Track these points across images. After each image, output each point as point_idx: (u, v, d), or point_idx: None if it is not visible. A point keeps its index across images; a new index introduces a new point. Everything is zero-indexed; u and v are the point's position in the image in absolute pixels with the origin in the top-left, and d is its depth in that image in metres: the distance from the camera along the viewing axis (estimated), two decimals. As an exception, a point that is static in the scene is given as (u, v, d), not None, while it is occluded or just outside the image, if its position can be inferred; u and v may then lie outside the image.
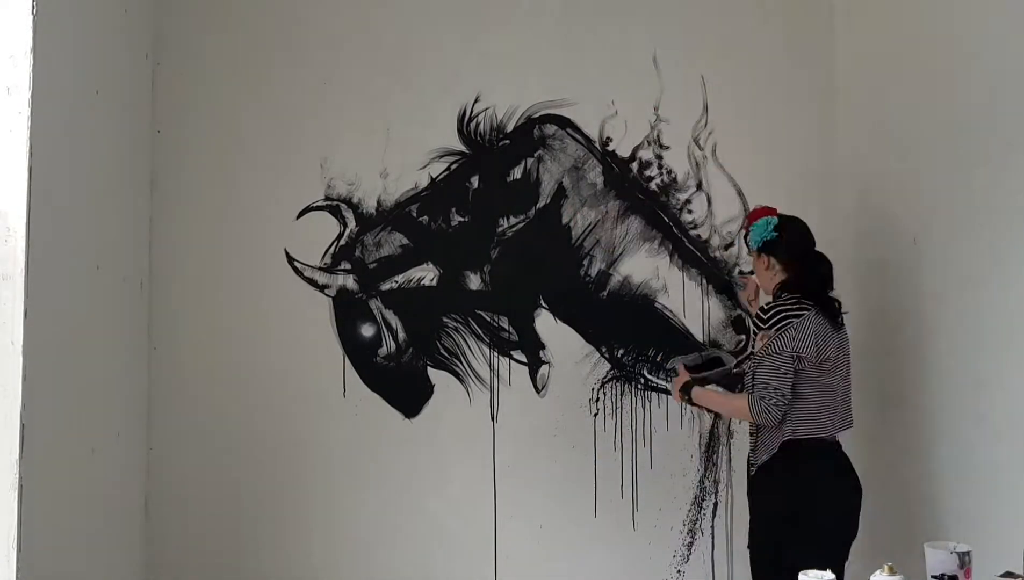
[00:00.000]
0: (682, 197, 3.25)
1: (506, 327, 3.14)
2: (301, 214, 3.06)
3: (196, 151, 3.00)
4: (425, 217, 3.12)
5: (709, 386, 2.81)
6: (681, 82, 3.26)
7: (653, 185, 3.24)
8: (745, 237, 2.79)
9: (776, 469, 2.57)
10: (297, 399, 3.01)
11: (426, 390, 3.10)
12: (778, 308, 2.57)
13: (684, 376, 2.80)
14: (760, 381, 2.53)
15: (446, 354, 3.12)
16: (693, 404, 2.80)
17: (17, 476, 1.77)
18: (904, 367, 2.94)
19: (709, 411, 3.10)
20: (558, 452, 3.14)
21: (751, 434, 2.68)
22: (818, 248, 3.34)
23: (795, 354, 2.50)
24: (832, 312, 2.59)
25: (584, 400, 3.17)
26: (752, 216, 2.75)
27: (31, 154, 1.83)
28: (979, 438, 2.57)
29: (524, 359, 3.15)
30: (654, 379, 3.22)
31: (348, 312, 3.07)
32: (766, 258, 2.69)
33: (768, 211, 2.71)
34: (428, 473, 3.07)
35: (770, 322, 2.56)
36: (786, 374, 2.50)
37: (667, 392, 3.21)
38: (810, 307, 2.55)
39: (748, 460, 2.70)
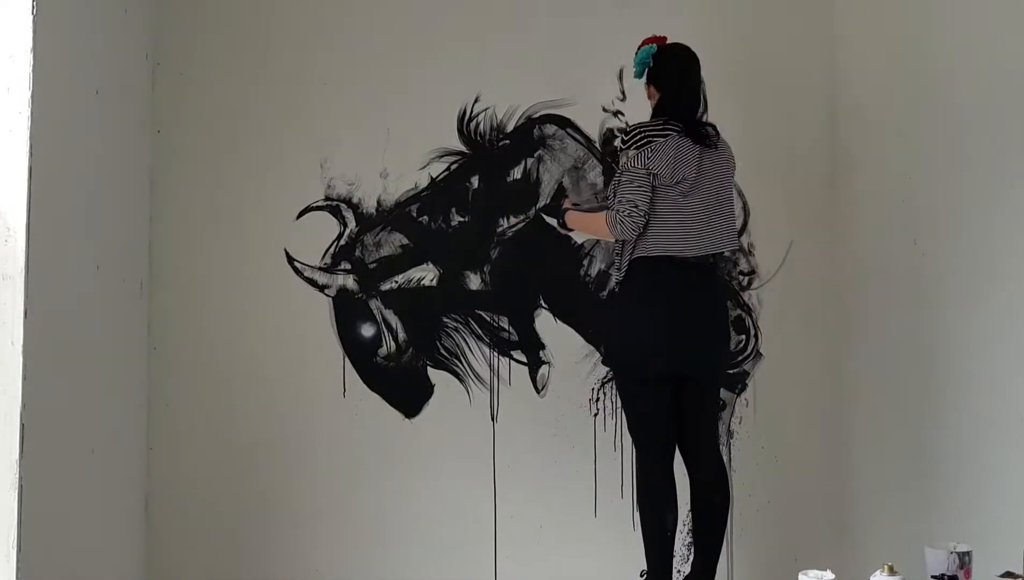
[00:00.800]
0: (682, 197, 3.25)
1: (506, 327, 3.14)
2: (301, 214, 3.06)
3: (196, 151, 3.00)
4: (425, 217, 3.12)
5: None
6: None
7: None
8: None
9: (625, 286, 2.67)
10: (297, 399, 3.01)
11: (426, 390, 3.10)
12: (639, 129, 2.64)
13: (566, 204, 2.94)
14: (619, 196, 2.60)
15: (446, 354, 3.12)
16: (568, 229, 2.89)
17: (17, 476, 1.77)
18: (904, 367, 2.94)
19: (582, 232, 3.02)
20: (558, 452, 3.14)
21: (614, 251, 2.77)
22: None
23: (649, 171, 2.57)
24: (699, 134, 2.65)
25: (584, 400, 3.17)
26: (642, 43, 2.81)
27: (31, 154, 1.83)
28: (979, 438, 2.57)
29: (524, 359, 3.15)
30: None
31: (348, 312, 3.07)
32: (648, 86, 2.77)
33: (654, 40, 2.78)
34: (428, 473, 3.07)
35: (630, 142, 2.62)
36: (641, 187, 2.57)
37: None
38: (674, 129, 2.61)
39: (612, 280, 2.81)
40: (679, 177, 2.58)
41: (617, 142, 3.16)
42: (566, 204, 2.94)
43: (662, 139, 2.58)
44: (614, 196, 2.64)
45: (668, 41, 2.77)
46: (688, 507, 2.76)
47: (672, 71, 2.74)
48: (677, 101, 2.70)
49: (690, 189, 2.61)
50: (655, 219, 2.59)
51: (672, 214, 2.60)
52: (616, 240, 2.68)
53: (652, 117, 2.71)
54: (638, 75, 2.78)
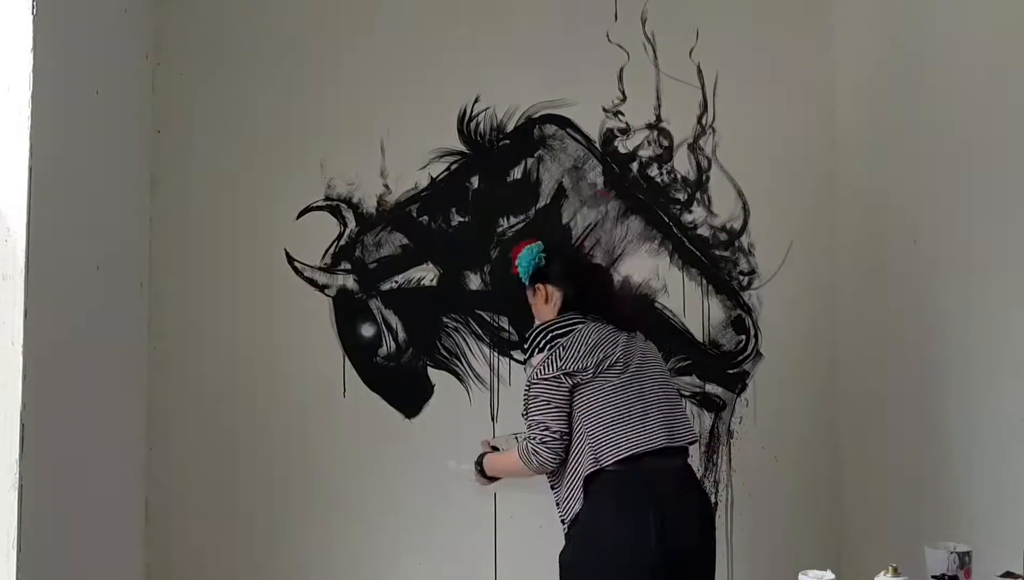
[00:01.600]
0: (682, 197, 3.26)
1: (506, 327, 3.14)
2: (301, 214, 3.05)
3: (196, 151, 3.00)
4: (425, 217, 3.12)
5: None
6: (682, 84, 3.26)
7: (653, 185, 3.24)
8: (517, 277, 2.56)
9: (584, 517, 2.13)
10: (297, 399, 3.01)
11: (426, 390, 3.10)
12: (541, 328, 2.28)
13: (483, 447, 2.55)
14: (528, 418, 2.20)
15: (446, 354, 3.12)
16: (488, 478, 2.49)
17: (17, 476, 1.77)
18: (904, 367, 2.94)
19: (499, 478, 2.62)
20: (558, 452, 3.13)
21: (552, 487, 2.27)
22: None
23: (562, 374, 2.16)
24: (616, 320, 2.29)
25: (584, 400, 3.17)
26: (515, 252, 2.58)
27: (31, 154, 1.83)
28: (979, 438, 2.57)
29: (524, 359, 3.15)
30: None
31: (348, 312, 3.06)
32: (542, 289, 2.44)
33: (528, 242, 2.58)
34: (428, 473, 3.07)
35: (531, 346, 2.29)
36: (551, 402, 2.15)
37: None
38: (583, 320, 2.26)
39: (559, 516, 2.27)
40: (606, 360, 2.18)
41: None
42: (484, 447, 2.54)
43: (567, 336, 2.22)
44: (525, 416, 2.25)
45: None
46: None
47: (570, 262, 2.47)
48: (585, 290, 2.36)
49: (624, 370, 2.19)
50: (593, 420, 2.14)
51: (619, 402, 2.16)
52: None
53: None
54: (527, 277, 2.46)
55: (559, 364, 2.17)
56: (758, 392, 3.27)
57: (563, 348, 2.19)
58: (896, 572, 1.76)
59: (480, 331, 3.13)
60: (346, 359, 3.05)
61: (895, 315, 2.99)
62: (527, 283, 2.51)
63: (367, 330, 3.07)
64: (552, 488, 2.29)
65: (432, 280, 3.12)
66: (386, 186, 3.10)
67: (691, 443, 2.33)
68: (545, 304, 2.44)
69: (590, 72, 3.20)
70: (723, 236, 3.28)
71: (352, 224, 3.09)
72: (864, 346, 3.17)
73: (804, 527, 3.25)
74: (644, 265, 3.21)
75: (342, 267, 3.07)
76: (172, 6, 3.00)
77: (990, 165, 2.52)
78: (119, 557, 2.61)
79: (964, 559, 1.86)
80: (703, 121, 3.28)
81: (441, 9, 3.15)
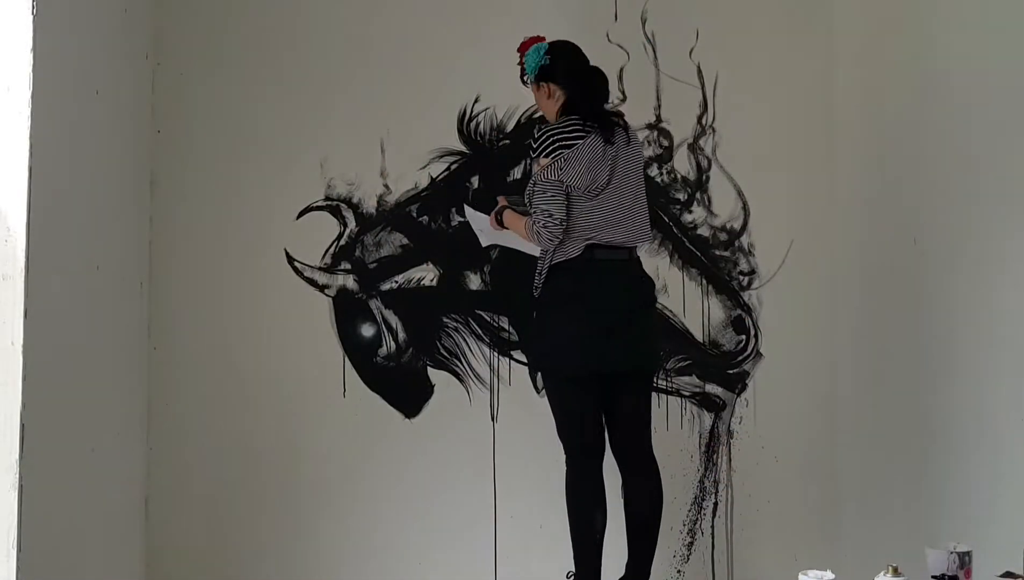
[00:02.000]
0: (682, 197, 3.26)
1: (506, 327, 3.14)
2: (301, 214, 3.05)
3: (196, 151, 3.00)
4: (425, 217, 3.12)
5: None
6: (682, 84, 3.26)
7: (653, 185, 3.24)
8: (521, 74, 2.76)
9: (547, 287, 2.63)
10: (297, 399, 3.01)
11: (426, 390, 3.10)
12: (549, 133, 2.58)
13: (502, 203, 2.85)
14: (535, 207, 2.58)
15: (446, 354, 3.12)
16: (503, 226, 2.82)
17: (17, 476, 1.76)
18: (904, 367, 2.94)
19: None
20: (558, 452, 3.13)
21: (539, 258, 2.69)
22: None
23: (562, 183, 2.55)
24: (610, 131, 2.60)
25: (584, 400, 3.17)
26: (522, 48, 2.72)
27: (31, 154, 1.83)
28: (979, 438, 2.57)
29: (524, 359, 3.15)
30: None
31: (348, 312, 3.06)
32: (546, 86, 2.69)
33: (535, 40, 2.71)
34: (428, 473, 3.07)
35: (540, 149, 2.58)
36: (555, 197, 2.55)
37: (667, 393, 3.22)
38: (585, 131, 2.57)
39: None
40: (593, 185, 2.57)
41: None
42: (501, 201, 2.88)
43: (570, 149, 2.55)
44: (530, 204, 2.63)
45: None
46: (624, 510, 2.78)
47: (574, 63, 2.68)
48: (585, 94, 2.65)
49: (605, 187, 2.60)
50: (572, 222, 2.58)
51: (588, 212, 2.59)
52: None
53: (560, 116, 2.65)
54: (533, 74, 2.69)
55: (560, 175, 2.55)
56: (758, 392, 3.27)
57: (565, 160, 2.55)
58: (896, 572, 1.77)
59: (480, 331, 3.13)
60: (346, 359, 3.05)
61: (895, 315, 2.99)
62: (532, 80, 2.71)
63: (367, 330, 3.07)
64: (539, 259, 2.68)
65: (432, 280, 3.12)
66: (386, 186, 3.10)
67: (646, 241, 2.79)
68: (548, 99, 2.70)
69: (590, 72, 3.20)
70: (723, 236, 3.28)
71: (352, 224, 3.09)
72: (864, 346, 3.17)
73: (804, 527, 3.25)
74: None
75: (342, 267, 3.07)
76: (172, 6, 3.00)
77: (990, 165, 2.52)
78: (119, 557, 2.61)
79: (964, 559, 1.87)
80: (703, 121, 3.28)
81: (441, 9, 3.15)
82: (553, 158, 2.56)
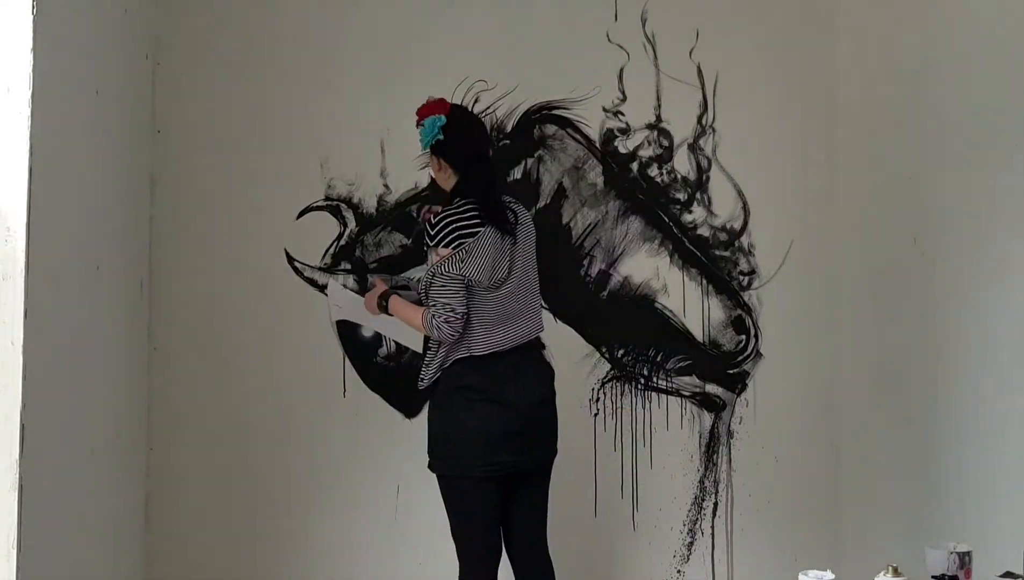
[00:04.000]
0: (682, 197, 3.26)
1: (506, 327, 3.14)
2: (301, 214, 3.05)
3: (196, 151, 3.00)
4: (425, 217, 3.12)
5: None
6: (682, 83, 3.27)
7: (653, 185, 3.24)
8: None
9: (445, 380, 2.49)
10: (297, 399, 3.01)
11: (426, 390, 3.09)
12: (448, 221, 2.43)
13: (382, 287, 2.68)
14: (433, 299, 2.44)
15: (446, 354, 3.11)
16: (388, 313, 2.64)
17: (17, 476, 1.76)
18: (904, 367, 2.94)
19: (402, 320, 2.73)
20: (558, 452, 3.14)
21: (426, 348, 2.56)
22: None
23: (463, 277, 2.42)
24: (503, 220, 2.48)
25: (584, 400, 3.18)
26: (421, 112, 2.56)
27: (31, 154, 1.83)
28: (979, 439, 2.57)
29: (524, 359, 3.14)
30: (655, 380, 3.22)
31: (348, 312, 3.06)
32: (436, 159, 2.54)
33: (437, 107, 2.54)
34: (428, 473, 3.07)
35: (438, 237, 2.43)
36: (456, 291, 2.42)
37: (668, 393, 3.22)
38: (483, 221, 2.44)
39: (419, 376, 2.57)
40: (495, 279, 2.46)
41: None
42: (378, 284, 2.72)
43: (472, 239, 2.42)
44: (426, 295, 2.48)
45: (448, 104, 2.56)
46: None
47: (467, 145, 2.53)
48: (474, 179, 2.50)
49: (505, 281, 2.49)
50: (474, 316, 2.45)
51: (489, 309, 2.47)
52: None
53: (452, 198, 2.52)
54: (425, 147, 2.54)
55: (462, 267, 2.42)
56: (758, 392, 3.27)
57: (467, 252, 2.43)
58: (896, 572, 1.76)
59: (480, 331, 3.13)
60: (346, 359, 3.05)
61: (895, 315, 2.99)
62: (425, 150, 2.58)
63: (367, 330, 3.07)
64: (428, 350, 2.54)
65: (432, 280, 3.11)
66: (386, 186, 3.10)
67: (540, 333, 2.63)
68: (440, 172, 2.57)
69: (590, 72, 3.20)
70: (723, 236, 3.28)
71: (352, 224, 3.09)
72: (864, 346, 3.17)
73: (804, 527, 3.26)
74: (644, 265, 3.22)
75: (342, 267, 3.07)
76: (172, 6, 3.00)
77: (990, 165, 2.53)
78: (119, 557, 2.61)
79: (964, 559, 1.87)
80: (703, 121, 3.28)
81: (441, 9, 3.15)
82: (454, 249, 2.42)
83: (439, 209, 2.53)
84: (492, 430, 2.44)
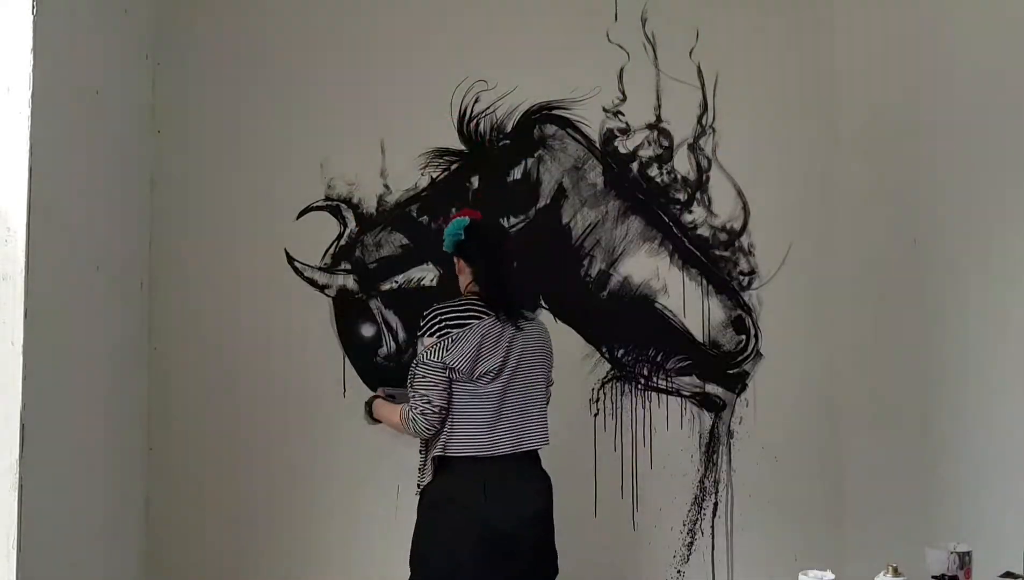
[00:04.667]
0: (682, 197, 3.26)
1: (506, 327, 3.14)
2: (301, 214, 3.05)
3: (196, 151, 3.00)
4: (425, 217, 3.12)
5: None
6: (682, 83, 3.27)
7: (653, 185, 3.24)
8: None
9: (430, 488, 2.41)
10: (297, 399, 3.01)
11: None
12: (438, 311, 2.41)
13: (380, 394, 2.70)
14: (413, 390, 2.39)
15: (446, 354, 3.11)
16: (376, 420, 2.64)
17: (17, 476, 1.77)
18: (903, 367, 2.94)
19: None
20: (558, 452, 3.13)
21: (419, 451, 2.50)
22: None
23: (444, 365, 2.34)
24: (510, 315, 2.43)
25: (584, 400, 3.17)
26: (450, 218, 2.65)
27: (31, 154, 1.83)
28: (979, 439, 2.57)
29: (524, 359, 3.15)
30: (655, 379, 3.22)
31: (348, 312, 3.06)
32: (457, 260, 2.57)
33: (468, 213, 2.60)
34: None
35: (425, 326, 2.41)
36: (435, 383, 2.34)
37: (668, 393, 3.22)
38: (481, 313, 2.39)
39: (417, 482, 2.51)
40: (481, 371, 2.35)
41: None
42: (379, 392, 2.73)
43: (460, 329, 2.36)
44: (410, 387, 2.42)
45: (481, 218, 2.58)
46: None
47: (483, 247, 2.51)
48: (487, 279, 2.47)
49: (496, 377, 2.38)
50: (455, 413, 2.36)
51: (475, 407, 2.37)
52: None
53: (467, 290, 2.52)
54: (448, 248, 2.57)
55: (444, 356, 2.35)
56: (758, 392, 3.27)
57: (452, 341, 2.36)
58: (896, 572, 1.76)
59: (480, 331, 3.13)
60: (346, 359, 3.05)
61: (895, 315, 2.99)
62: (448, 251, 2.60)
63: (367, 330, 3.07)
64: (420, 453, 2.49)
65: (432, 280, 3.12)
66: (386, 186, 3.10)
67: (539, 446, 2.50)
68: (459, 274, 2.57)
69: (590, 72, 3.21)
70: (723, 236, 3.28)
71: (352, 224, 3.08)
72: (864, 346, 3.17)
73: (804, 527, 3.25)
74: (644, 265, 3.22)
75: (342, 267, 3.07)
76: (172, 6, 3.00)
77: (990, 165, 2.53)
78: (119, 557, 2.61)
79: (964, 559, 1.86)
80: (703, 121, 3.28)
81: (441, 10, 3.15)
82: (439, 337, 2.36)
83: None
84: (461, 551, 2.30)
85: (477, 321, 2.38)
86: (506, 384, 2.40)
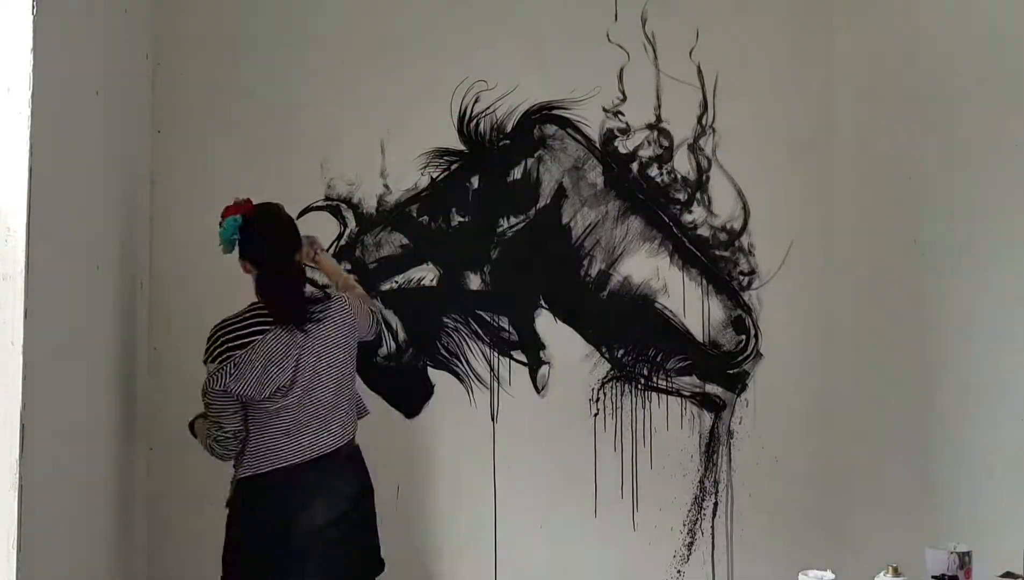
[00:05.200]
0: (682, 197, 3.26)
1: (506, 327, 3.14)
2: (301, 214, 3.05)
3: (196, 151, 3.00)
4: (425, 217, 3.12)
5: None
6: (682, 84, 3.26)
7: (653, 185, 3.24)
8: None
9: (233, 507, 2.38)
10: (297, 399, 3.01)
11: (426, 390, 3.10)
12: (219, 334, 2.30)
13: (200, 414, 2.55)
14: (207, 417, 2.34)
15: (446, 354, 3.12)
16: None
17: (17, 476, 1.76)
18: (904, 367, 2.94)
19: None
20: (558, 452, 3.14)
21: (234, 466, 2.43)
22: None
23: (227, 392, 2.27)
24: (299, 316, 2.31)
25: (584, 400, 3.17)
26: (224, 212, 2.42)
27: (31, 154, 1.83)
28: (979, 438, 2.57)
29: (524, 359, 3.15)
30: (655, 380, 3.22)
31: (348, 312, 3.06)
32: (243, 262, 2.40)
33: (240, 208, 2.40)
34: (428, 473, 3.07)
35: (207, 353, 2.30)
36: (223, 409, 2.29)
37: (668, 393, 3.22)
38: (264, 326, 2.29)
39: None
40: (273, 385, 2.27)
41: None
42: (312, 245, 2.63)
43: (242, 351, 2.26)
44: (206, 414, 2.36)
45: (252, 210, 2.39)
46: None
47: (261, 245, 2.36)
48: (268, 285, 2.33)
49: (290, 389, 2.30)
50: (254, 430, 2.31)
51: (274, 421, 2.30)
52: None
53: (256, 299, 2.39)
54: (227, 251, 2.42)
55: (227, 382, 2.25)
56: (758, 392, 3.27)
57: (235, 365, 2.25)
58: (896, 572, 1.76)
59: (480, 331, 3.13)
60: (346, 359, 3.05)
61: (895, 315, 2.99)
62: (225, 252, 2.45)
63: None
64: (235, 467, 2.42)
65: (432, 280, 3.12)
66: (386, 186, 3.10)
67: (337, 447, 2.41)
68: (247, 273, 2.41)
69: (590, 72, 3.21)
70: (723, 236, 3.28)
71: (352, 224, 3.09)
72: (864, 346, 3.17)
73: (804, 527, 3.25)
74: (644, 265, 3.22)
75: (342, 267, 3.07)
76: (172, 6, 3.00)
77: (990, 165, 2.52)
78: (119, 557, 2.61)
79: (964, 559, 1.86)
80: (703, 121, 3.28)
81: (441, 10, 3.15)
82: (220, 363, 2.25)
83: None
84: (275, 556, 2.28)
85: (260, 336, 2.28)
86: (301, 395, 2.32)
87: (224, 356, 2.28)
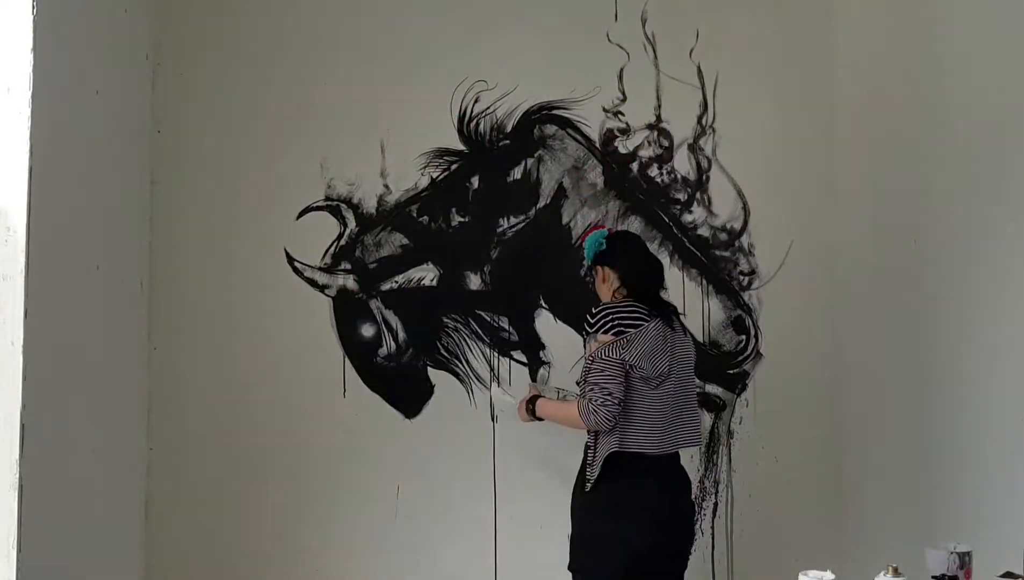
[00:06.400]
0: (682, 197, 3.26)
1: (506, 327, 3.14)
2: (301, 214, 3.05)
3: (196, 151, 3.00)
4: (425, 217, 3.12)
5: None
6: (682, 84, 3.27)
7: (653, 185, 3.24)
8: (582, 258, 2.82)
9: (599, 486, 2.44)
10: (297, 399, 3.01)
11: (426, 390, 3.10)
12: (607, 311, 2.45)
13: (532, 392, 2.72)
14: (591, 383, 2.41)
15: (446, 354, 3.12)
16: (537, 418, 2.68)
17: (17, 476, 1.76)
18: (904, 367, 2.94)
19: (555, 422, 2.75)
20: (558, 452, 3.14)
21: (586, 446, 2.52)
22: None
23: (626, 363, 2.39)
24: (668, 315, 2.51)
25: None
26: (584, 234, 2.78)
27: (31, 154, 1.83)
28: (979, 438, 2.57)
29: (524, 359, 3.15)
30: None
31: (348, 312, 3.06)
32: (601, 270, 2.62)
33: (598, 228, 2.76)
34: (428, 473, 3.07)
35: (597, 325, 2.45)
36: (614, 376, 2.38)
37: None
38: (646, 315, 2.45)
39: (583, 476, 2.53)
40: (656, 370, 2.42)
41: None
42: (532, 391, 2.75)
43: (635, 329, 2.41)
44: (584, 382, 2.46)
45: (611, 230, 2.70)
46: None
47: (630, 248, 2.63)
48: (641, 278, 2.55)
49: (665, 379, 2.45)
50: (630, 411, 2.41)
51: (644, 407, 2.43)
52: (588, 431, 2.48)
53: (614, 297, 2.55)
54: (589, 258, 2.65)
55: (623, 353, 2.39)
56: (758, 392, 3.27)
57: (629, 341, 2.40)
58: (896, 572, 1.76)
59: (480, 331, 3.13)
60: (346, 359, 3.05)
61: (895, 315, 2.99)
62: (588, 263, 2.69)
63: (367, 330, 3.07)
64: (587, 449, 2.50)
65: (432, 280, 3.12)
66: (386, 186, 3.10)
67: (695, 446, 2.63)
68: (603, 283, 2.61)
69: (590, 72, 3.21)
70: (723, 236, 3.28)
71: (352, 224, 3.08)
72: (864, 346, 3.18)
73: (804, 527, 3.26)
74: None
75: (342, 267, 3.07)
76: (172, 6, 3.00)
77: (990, 165, 2.53)
78: (119, 557, 2.61)
79: (964, 559, 1.87)
80: (703, 121, 3.28)
81: (441, 10, 3.15)
82: (615, 335, 2.41)
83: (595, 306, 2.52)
84: (637, 542, 2.40)
85: (645, 323, 2.43)
86: (673, 386, 2.47)
87: (617, 330, 2.42)
